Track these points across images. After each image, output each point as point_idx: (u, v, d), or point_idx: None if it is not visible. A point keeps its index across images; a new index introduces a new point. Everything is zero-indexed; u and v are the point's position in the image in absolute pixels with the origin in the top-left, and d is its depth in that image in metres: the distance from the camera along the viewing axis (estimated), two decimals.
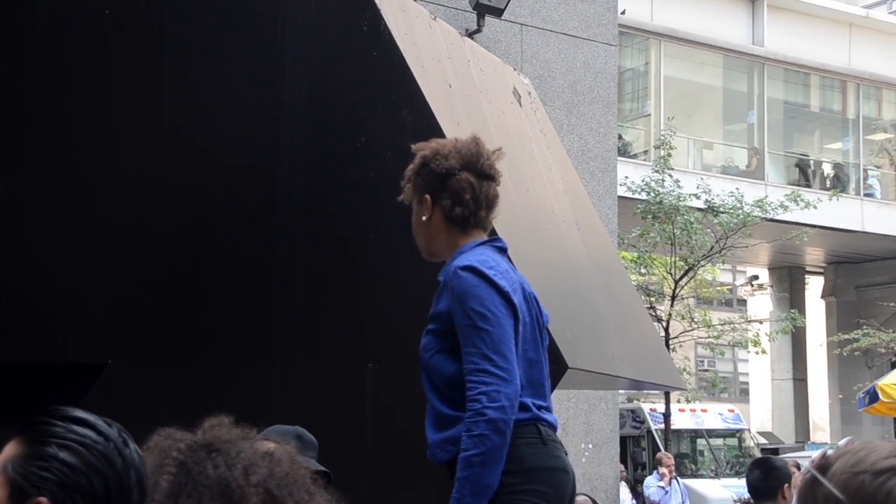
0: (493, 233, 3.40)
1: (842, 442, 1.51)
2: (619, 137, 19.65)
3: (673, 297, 20.06)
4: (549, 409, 3.23)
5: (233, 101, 4.02)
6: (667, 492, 15.46)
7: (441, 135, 4.23)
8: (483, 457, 2.94)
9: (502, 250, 3.28)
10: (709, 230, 19.44)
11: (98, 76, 3.71)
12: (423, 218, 3.25)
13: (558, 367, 4.31)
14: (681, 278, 19.97)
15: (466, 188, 3.22)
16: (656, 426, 21.23)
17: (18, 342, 3.49)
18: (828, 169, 28.21)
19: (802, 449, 23.56)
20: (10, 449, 1.75)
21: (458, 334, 3.08)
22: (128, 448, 1.77)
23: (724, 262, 23.22)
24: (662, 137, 20.47)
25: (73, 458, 1.71)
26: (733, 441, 23.09)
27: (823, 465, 1.45)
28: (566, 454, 3.27)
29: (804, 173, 27.39)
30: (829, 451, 1.48)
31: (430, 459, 3.19)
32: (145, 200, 3.78)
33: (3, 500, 1.70)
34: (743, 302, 37.96)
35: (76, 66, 3.67)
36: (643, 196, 19.42)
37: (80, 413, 1.78)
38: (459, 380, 3.08)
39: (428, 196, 3.24)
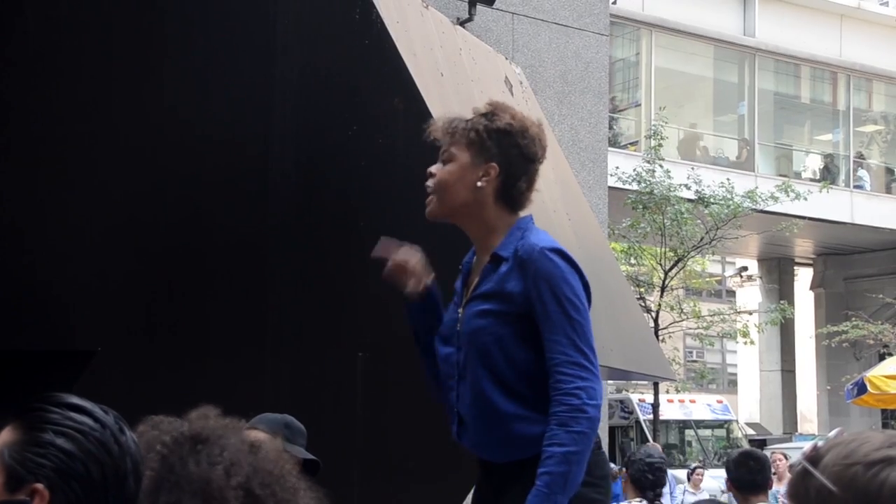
0: None
1: (831, 433, 1.49)
2: (610, 128, 19.65)
3: (662, 288, 20.10)
4: None
5: (224, 88, 4.00)
6: None
7: None
8: (581, 455, 2.78)
9: None
10: (699, 221, 19.48)
11: (95, 63, 3.69)
12: (479, 184, 2.96)
13: None
14: (670, 269, 20.01)
15: (536, 178, 3.05)
16: (645, 416, 21.28)
17: (7, 329, 3.47)
18: (817, 160, 28.28)
19: (790, 440, 23.68)
20: (7, 435, 1.75)
21: (541, 319, 2.85)
22: (124, 435, 1.77)
23: (713, 253, 23.28)
24: (654, 127, 20.48)
25: (70, 444, 1.72)
26: (721, 432, 23.19)
27: (815, 457, 1.44)
28: None
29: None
30: (820, 443, 1.46)
31: (479, 455, 3.01)
32: (138, 187, 3.77)
33: (0, 486, 1.70)
34: (732, 293, 38.01)
35: (70, 48, 3.65)
36: (634, 186, 19.44)
37: (76, 400, 1.78)
38: (533, 371, 2.88)
39: (496, 165, 2.96)
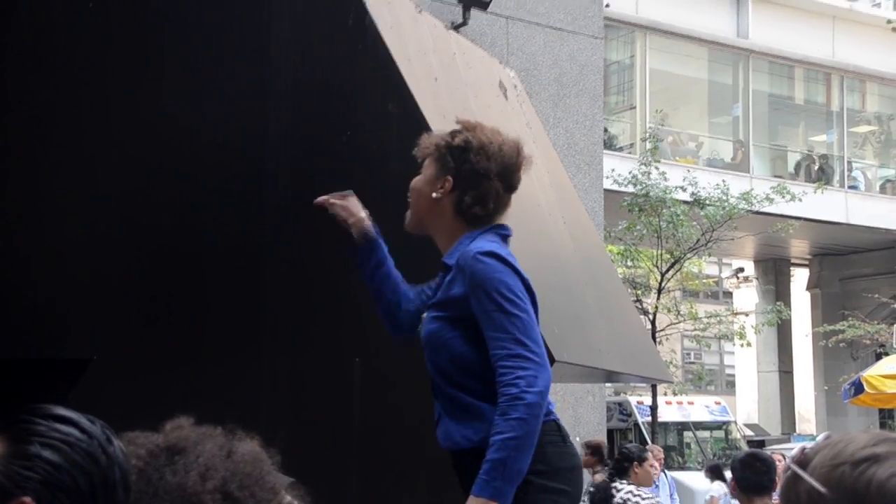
0: None
1: (819, 437, 1.51)
2: (605, 130, 19.67)
3: (659, 290, 20.09)
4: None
5: (218, 94, 4.01)
6: (656, 485, 15.35)
7: (427, 129, 4.23)
8: (519, 441, 2.85)
9: (506, 238, 3.22)
10: (695, 223, 19.49)
11: (88, 62, 3.69)
12: (434, 195, 3.19)
13: None
14: (667, 271, 20.00)
15: (493, 195, 3.17)
16: (643, 419, 21.26)
17: (0, 337, 3.47)
18: (812, 161, 28.32)
19: (789, 440, 23.70)
20: None
21: (480, 321, 2.99)
22: (111, 445, 1.76)
23: (709, 255, 23.27)
24: (650, 129, 20.49)
25: (57, 456, 1.70)
26: (720, 433, 23.17)
27: (803, 461, 1.45)
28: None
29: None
30: (808, 446, 1.49)
31: (447, 447, 3.11)
32: (133, 191, 3.77)
33: None
34: (729, 294, 38.08)
35: (65, 49, 3.66)
36: (630, 189, 19.45)
37: (62, 411, 1.77)
38: (477, 368, 3.02)
39: (451, 179, 3.17)
